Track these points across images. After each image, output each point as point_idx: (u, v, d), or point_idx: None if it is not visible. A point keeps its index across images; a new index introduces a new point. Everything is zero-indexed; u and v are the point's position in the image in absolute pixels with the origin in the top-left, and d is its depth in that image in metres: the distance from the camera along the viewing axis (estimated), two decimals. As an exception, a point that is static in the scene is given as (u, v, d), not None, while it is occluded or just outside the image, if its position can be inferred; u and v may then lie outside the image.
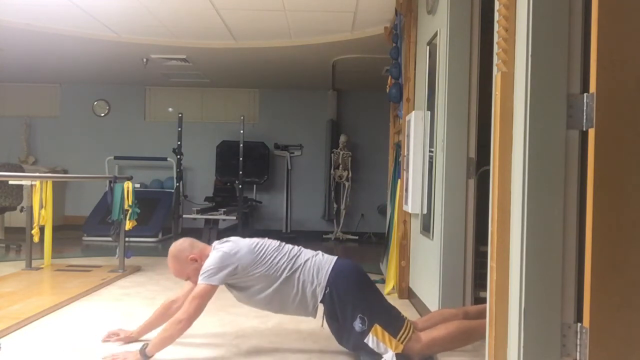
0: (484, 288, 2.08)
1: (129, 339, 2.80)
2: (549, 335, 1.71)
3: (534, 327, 1.71)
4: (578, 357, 1.65)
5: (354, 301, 2.54)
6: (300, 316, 2.72)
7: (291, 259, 2.62)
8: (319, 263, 2.63)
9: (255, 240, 2.70)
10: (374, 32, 5.59)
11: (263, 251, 2.62)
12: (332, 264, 2.63)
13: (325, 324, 2.64)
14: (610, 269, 1.56)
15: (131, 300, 3.83)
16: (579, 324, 1.66)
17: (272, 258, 2.61)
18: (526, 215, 1.72)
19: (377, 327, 2.49)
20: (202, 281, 2.53)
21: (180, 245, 2.72)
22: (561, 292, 1.72)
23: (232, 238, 2.74)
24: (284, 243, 2.74)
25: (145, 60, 6.90)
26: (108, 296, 3.95)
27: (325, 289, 2.56)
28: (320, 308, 2.63)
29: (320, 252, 2.72)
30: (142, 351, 2.46)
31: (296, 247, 2.73)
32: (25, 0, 4.97)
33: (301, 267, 2.60)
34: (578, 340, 1.66)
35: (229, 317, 3.37)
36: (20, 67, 7.74)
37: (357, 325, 2.50)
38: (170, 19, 5.42)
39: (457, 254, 3.09)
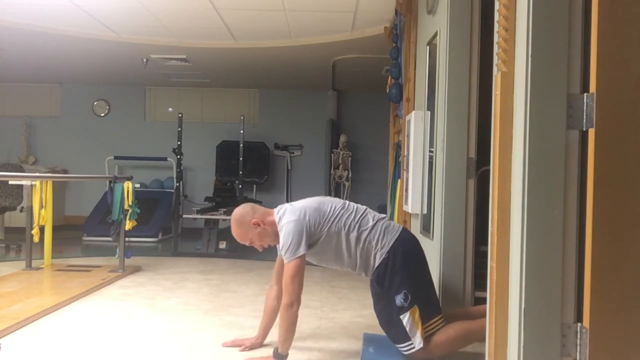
0: (484, 288, 2.08)
1: (257, 345, 2.80)
2: (549, 335, 1.71)
3: (534, 327, 1.71)
4: (578, 357, 1.65)
5: (405, 275, 2.54)
6: (361, 276, 2.72)
7: (359, 218, 2.63)
8: (386, 228, 2.63)
9: (317, 198, 2.71)
10: (374, 32, 5.58)
11: (329, 209, 2.63)
12: (399, 233, 2.64)
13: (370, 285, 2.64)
14: (610, 269, 1.55)
15: (131, 300, 3.83)
16: (579, 324, 1.66)
17: (339, 216, 2.61)
18: (526, 215, 1.71)
19: (416, 310, 2.50)
20: (289, 258, 2.51)
21: (243, 209, 2.73)
22: (561, 292, 1.72)
23: (295, 204, 2.71)
24: (347, 201, 2.74)
25: (145, 60, 6.90)
26: (108, 296, 3.95)
27: (385, 254, 2.57)
28: None
29: (387, 216, 2.73)
30: (276, 353, 2.49)
31: (361, 206, 2.73)
32: (25, 0, 4.97)
33: (370, 228, 2.61)
34: (578, 340, 1.66)
35: (229, 317, 3.37)
36: (20, 67, 7.74)
37: (399, 299, 2.51)
38: (170, 19, 5.42)
39: (457, 254, 3.09)
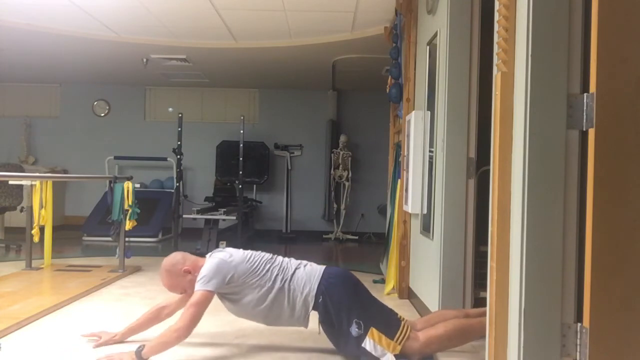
0: (484, 288, 2.08)
1: (112, 342, 2.76)
2: (549, 335, 1.71)
3: (534, 327, 1.71)
4: (578, 357, 1.65)
5: (348, 306, 2.54)
6: (293, 327, 2.71)
7: (283, 270, 2.65)
8: (308, 272, 2.64)
9: (248, 251, 2.74)
10: (374, 32, 5.59)
11: (257, 262, 2.65)
12: (321, 272, 2.64)
13: (322, 331, 2.63)
14: (610, 269, 1.56)
15: (131, 300, 3.83)
16: (579, 324, 1.66)
17: (265, 269, 2.63)
18: (526, 215, 1.72)
19: (374, 330, 2.49)
20: (198, 287, 2.55)
21: (173, 258, 2.74)
22: (561, 292, 1.72)
23: (226, 249, 2.77)
24: (276, 255, 2.76)
25: (145, 60, 6.90)
26: (108, 296, 3.95)
27: (318, 298, 2.56)
28: (314, 316, 2.61)
29: (309, 263, 2.74)
30: (138, 353, 2.44)
31: (286, 258, 2.75)
32: (25, 0, 4.97)
33: (291, 277, 2.62)
34: (578, 340, 1.66)
35: (229, 317, 3.36)
36: (20, 67, 7.74)
37: (354, 330, 2.49)
38: (170, 19, 5.42)
39: (457, 254, 3.09)
